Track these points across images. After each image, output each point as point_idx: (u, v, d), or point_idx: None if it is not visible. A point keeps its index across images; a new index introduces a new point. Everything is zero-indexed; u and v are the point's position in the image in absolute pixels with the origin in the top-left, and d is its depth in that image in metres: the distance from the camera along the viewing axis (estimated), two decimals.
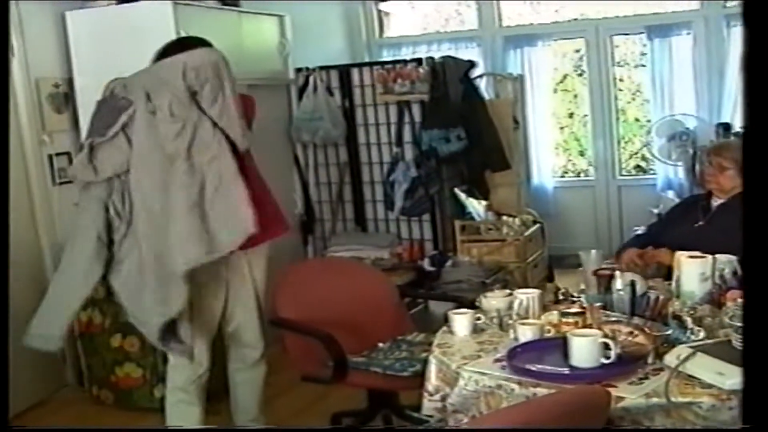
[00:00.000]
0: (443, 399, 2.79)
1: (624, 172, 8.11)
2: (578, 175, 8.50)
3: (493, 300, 3.20)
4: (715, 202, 3.86)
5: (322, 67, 6.49)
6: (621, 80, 8.17)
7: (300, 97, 6.44)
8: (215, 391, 4.11)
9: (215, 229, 3.48)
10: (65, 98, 5.15)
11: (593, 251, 3.45)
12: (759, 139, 1.56)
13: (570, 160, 8.63)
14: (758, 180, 1.57)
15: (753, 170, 1.60)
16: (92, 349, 4.84)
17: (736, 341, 2.47)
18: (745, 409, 1.65)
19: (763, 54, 1.55)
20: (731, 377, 2.29)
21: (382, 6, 8.44)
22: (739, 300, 2.69)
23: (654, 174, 7.78)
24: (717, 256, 3.12)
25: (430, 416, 2.96)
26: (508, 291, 3.34)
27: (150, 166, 3.53)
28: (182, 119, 3.48)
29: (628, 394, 2.36)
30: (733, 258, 3.14)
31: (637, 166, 8.31)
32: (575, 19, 8.02)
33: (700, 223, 3.81)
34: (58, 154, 5.08)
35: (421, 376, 3.04)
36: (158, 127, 3.51)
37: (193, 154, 3.49)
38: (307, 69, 6.44)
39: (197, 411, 3.84)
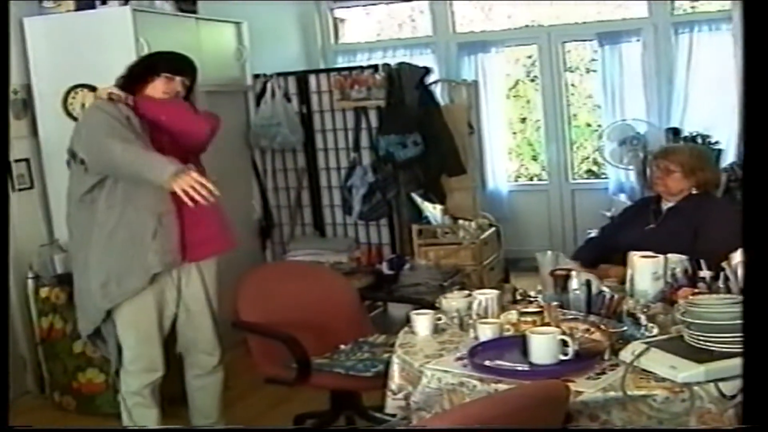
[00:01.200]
0: (407, 397, 2.86)
1: (576, 176, 8.24)
2: (531, 180, 8.62)
3: (453, 301, 3.27)
4: (665, 205, 3.96)
5: (279, 74, 6.53)
6: (573, 86, 8.29)
7: (258, 103, 6.47)
8: (174, 397, 4.14)
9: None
10: (23, 104, 5.14)
11: (549, 252, 3.54)
12: (758, 143, 1.59)
13: (523, 165, 8.74)
14: (758, 180, 1.61)
15: (753, 170, 1.63)
16: (54, 355, 4.83)
17: (688, 337, 2.57)
18: (745, 409, 1.68)
19: (763, 55, 1.58)
20: (683, 371, 2.39)
21: (337, 12, 8.50)
22: (690, 297, 2.79)
23: (606, 178, 7.90)
24: (668, 255, 3.23)
25: (394, 415, 3.02)
26: (467, 292, 3.41)
27: None
28: None
29: (586, 389, 2.44)
30: (684, 258, 3.26)
31: (589, 170, 8.45)
32: (527, 26, 8.15)
33: (651, 226, 3.92)
34: (17, 161, 5.07)
35: (383, 376, 3.11)
36: None
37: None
38: (265, 75, 6.47)
39: (155, 413, 3.86)
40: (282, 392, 4.27)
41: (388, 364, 3.08)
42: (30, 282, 4.88)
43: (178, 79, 3.72)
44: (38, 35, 5.09)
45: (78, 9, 5.07)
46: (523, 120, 8.68)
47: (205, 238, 3.81)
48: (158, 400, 3.88)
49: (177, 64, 3.76)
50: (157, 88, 3.69)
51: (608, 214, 6.37)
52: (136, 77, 3.73)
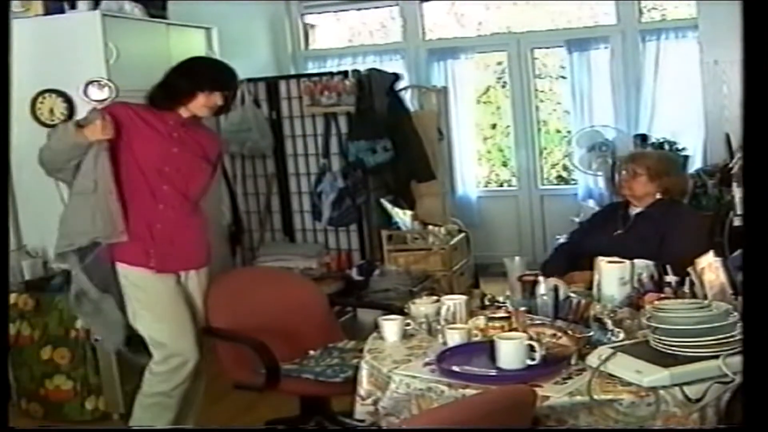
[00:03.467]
0: (375, 403, 2.86)
1: (546, 182, 8.28)
2: (501, 185, 8.65)
3: (422, 306, 3.28)
4: (633, 211, 3.99)
5: (249, 80, 6.53)
6: (542, 92, 8.34)
7: None
8: None
9: None
10: None
11: (517, 258, 3.55)
12: (757, 146, 1.59)
13: (493, 171, 8.77)
14: (758, 185, 1.61)
15: (753, 175, 1.63)
16: (21, 361, 4.76)
17: (654, 341, 2.60)
18: (745, 408, 1.68)
19: (762, 55, 1.58)
20: (649, 375, 2.42)
21: (308, 18, 8.50)
22: (656, 302, 2.82)
23: (575, 184, 7.95)
24: (635, 261, 3.26)
25: (362, 420, 3.02)
26: (435, 297, 3.42)
27: None
28: None
29: (553, 393, 2.46)
30: (650, 263, 3.29)
31: (559, 176, 8.49)
32: (497, 33, 8.20)
33: (619, 231, 3.94)
34: None
35: (352, 381, 3.11)
36: None
37: None
38: None
39: (170, 417, 3.76)
40: (251, 398, 4.25)
41: (357, 369, 3.08)
42: None
43: (219, 93, 3.69)
44: None
45: (47, 13, 5.02)
46: (493, 126, 8.71)
47: (195, 251, 3.87)
48: (180, 403, 3.78)
49: (222, 81, 3.72)
50: (199, 102, 3.66)
51: (577, 219, 6.41)
52: (178, 90, 3.69)
